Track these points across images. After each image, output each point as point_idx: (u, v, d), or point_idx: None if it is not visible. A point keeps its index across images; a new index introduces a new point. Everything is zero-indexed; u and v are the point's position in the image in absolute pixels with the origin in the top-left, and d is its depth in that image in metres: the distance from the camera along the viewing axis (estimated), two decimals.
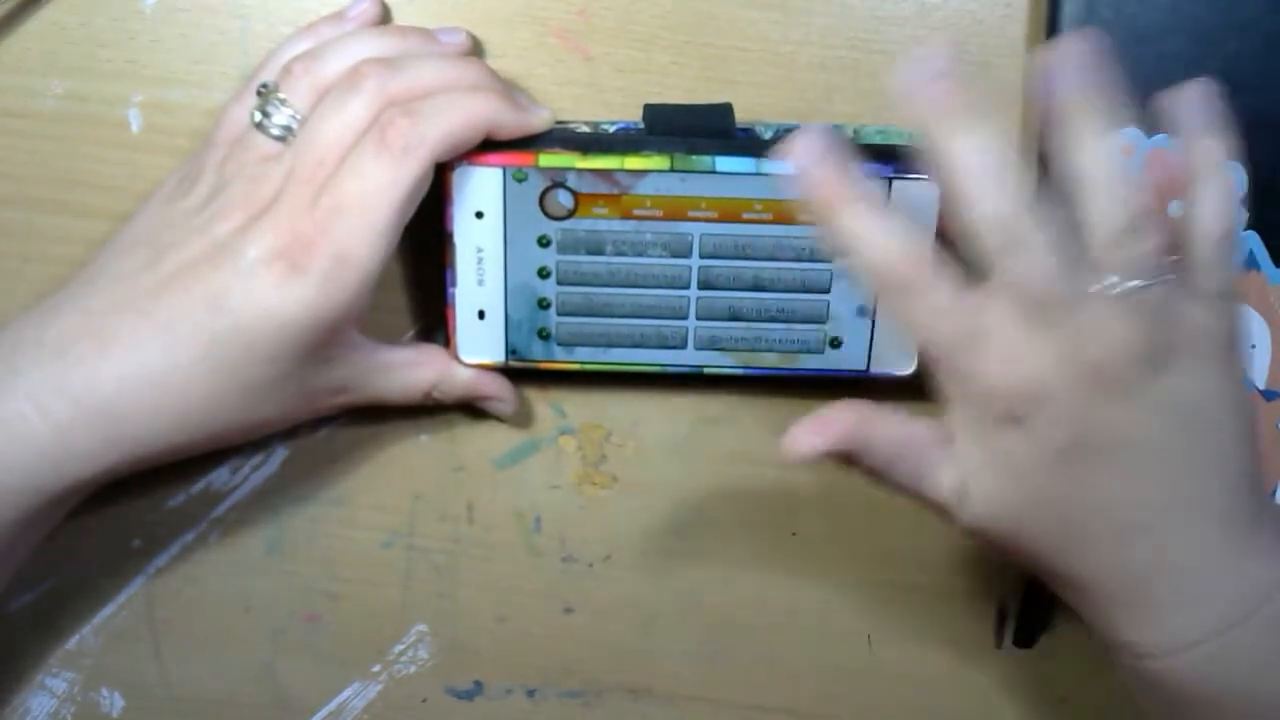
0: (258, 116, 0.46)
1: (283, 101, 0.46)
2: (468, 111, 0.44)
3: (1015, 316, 0.40)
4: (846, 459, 0.43)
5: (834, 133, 0.41)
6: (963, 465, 0.43)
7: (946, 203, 0.40)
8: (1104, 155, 0.40)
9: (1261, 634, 0.41)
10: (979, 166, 0.39)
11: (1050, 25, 0.48)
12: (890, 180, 0.46)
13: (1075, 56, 0.40)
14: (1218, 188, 0.42)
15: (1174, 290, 0.40)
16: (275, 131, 0.46)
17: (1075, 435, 0.40)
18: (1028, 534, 0.43)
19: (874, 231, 0.40)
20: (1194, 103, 0.42)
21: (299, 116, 0.45)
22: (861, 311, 0.48)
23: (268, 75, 0.47)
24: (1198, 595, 0.42)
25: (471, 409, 0.52)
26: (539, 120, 0.46)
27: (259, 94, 0.46)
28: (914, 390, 0.52)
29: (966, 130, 0.39)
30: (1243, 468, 0.42)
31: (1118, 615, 0.43)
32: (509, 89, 0.47)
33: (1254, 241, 0.50)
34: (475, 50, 0.49)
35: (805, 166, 0.40)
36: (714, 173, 0.46)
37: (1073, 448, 0.41)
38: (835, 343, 0.49)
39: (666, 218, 0.47)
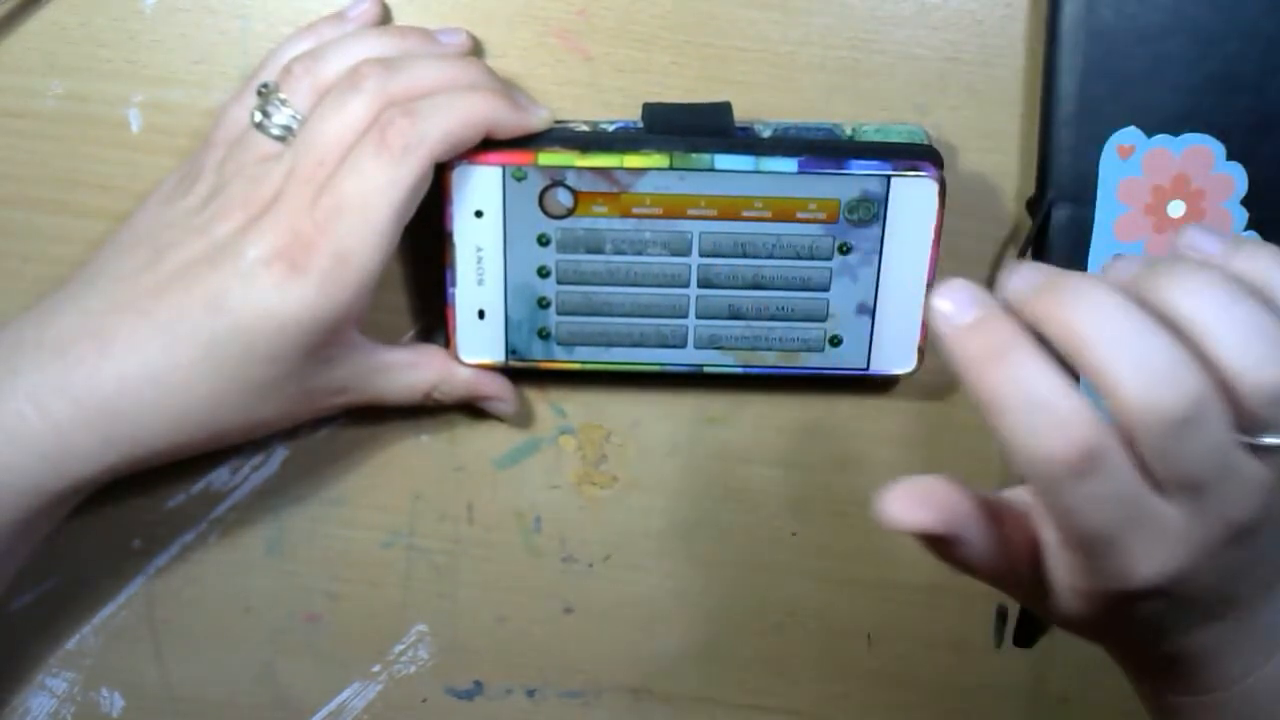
0: (258, 116, 0.46)
1: (283, 101, 0.46)
2: (467, 111, 0.44)
3: (1184, 509, 0.35)
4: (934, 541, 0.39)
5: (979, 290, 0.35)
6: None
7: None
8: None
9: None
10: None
11: (1050, 25, 0.48)
12: (889, 177, 0.46)
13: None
14: None
15: None
16: (275, 131, 0.46)
17: (1211, 586, 0.37)
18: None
19: (1047, 396, 0.33)
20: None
21: (299, 116, 0.45)
22: (861, 309, 0.48)
23: (268, 75, 0.47)
24: (1238, 648, 0.39)
25: (472, 409, 0.52)
26: (538, 119, 0.46)
27: (259, 94, 0.46)
28: (914, 388, 0.52)
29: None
30: None
31: (1218, 653, 0.40)
32: (509, 89, 0.47)
33: None
34: (475, 50, 0.49)
35: (954, 315, 0.35)
36: (713, 171, 0.46)
37: (1209, 592, 0.37)
38: (835, 341, 0.49)
39: (666, 216, 0.47)
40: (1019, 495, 0.40)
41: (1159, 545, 0.35)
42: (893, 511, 0.37)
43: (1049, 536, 0.37)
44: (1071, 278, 0.35)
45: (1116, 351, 0.33)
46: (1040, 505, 0.36)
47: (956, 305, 0.35)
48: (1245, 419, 0.34)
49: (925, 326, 0.49)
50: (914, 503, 0.37)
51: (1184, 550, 0.35)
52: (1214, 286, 0.34)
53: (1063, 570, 0.37)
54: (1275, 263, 0.36)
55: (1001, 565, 0.38)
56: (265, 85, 0.46)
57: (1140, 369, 0.33)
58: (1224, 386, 0.33)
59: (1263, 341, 0.33)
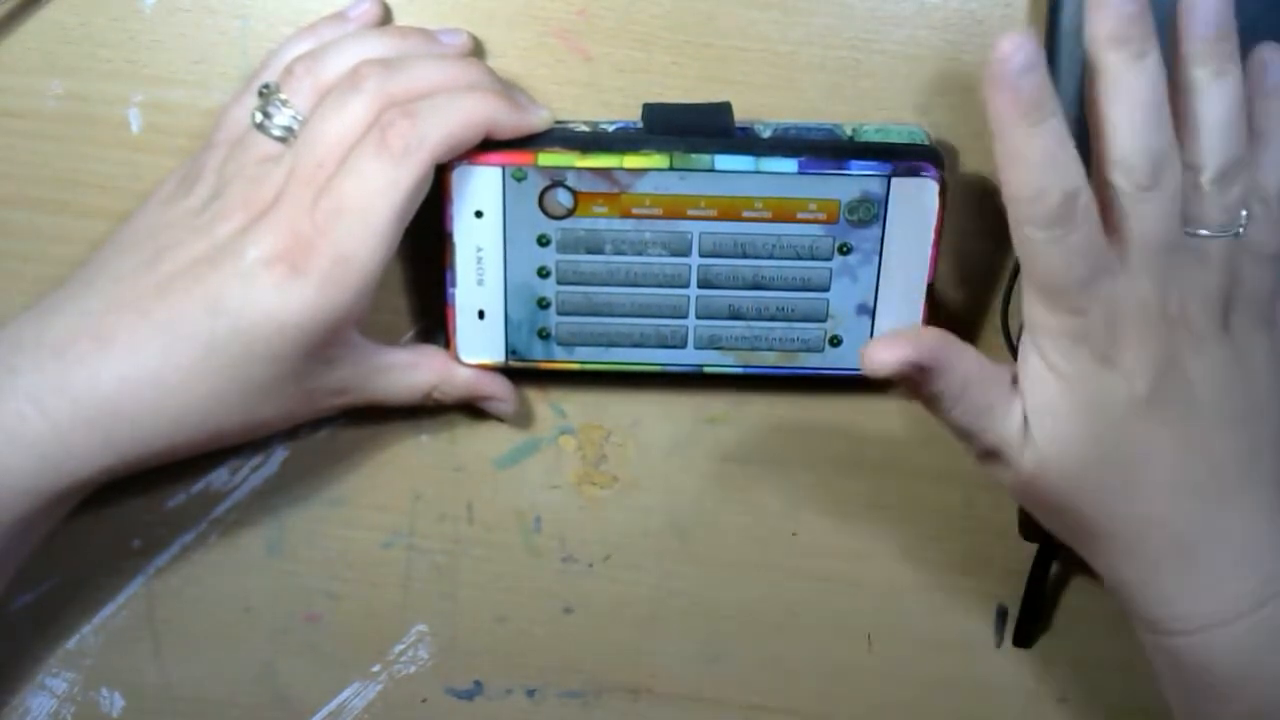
0: (259, 117, 0.46)
1: (284, 102, 0.46)
2: (467, 112, 0.44)
3: (1139, 258, 0.41)
4: (916, 381, 0.43)
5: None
6: (1033, 403, 0.43)
7: (1095, 132, 0.41)
8: (1220, 98, 0.41)
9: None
10: (1148, 98, 0.40)
11: (1050, 25, 0.48)
12: (889, 177, 0.46)
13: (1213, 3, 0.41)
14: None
15: (1242, 244, 0.41)
16: (276, 132, 0.46)
17: (1156, 381, 0.41)
18: (1086, 482, 0.43)
19: (1043, 156, 0.40)
20: (1267, 64, 0.43)
21: (300, 117, 0.45)
22: (861, 310, 0.48)
23: (269, 76, 0.47)
24: (1239, 566, 0.42)
25: (472, 409, 0.52)
26: (538, 120, 0.46)
27: (260, 94, 0.46)
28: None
29: (1140, 60, 0.40)
30: (1274, 449, 0.43)
31: (1157, 582, 0.43)
32: (509, 89, 0.47)
33: None
34: (476, 50, 0.49)
35: (1008, 69, 0.39)
36: (713, 171, 0.46)
37: (1152, 394, 0.41)
38: (835, 341, 0.49)
39: (666, 216, 0.47)
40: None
41: (1118, 293, 0.41)
42: (872, 359, 0.43)
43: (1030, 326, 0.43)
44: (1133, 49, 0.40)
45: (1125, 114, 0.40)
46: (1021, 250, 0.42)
47: (1016, 58, 0.39)
48: (1198, 208, 0.42)
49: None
50: (890, 345, 0.43)
51: (1137, 300, 0.41)
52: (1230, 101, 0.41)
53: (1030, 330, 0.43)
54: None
55: (975, 400, 0.43)
56: (266, 86, 0.46)
57: (1146, 110, 0.40)
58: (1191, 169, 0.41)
59: (1219, 138, 0.41)
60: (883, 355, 0.42)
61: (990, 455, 0.45)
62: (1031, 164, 0.40)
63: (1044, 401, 0.43)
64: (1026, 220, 0.41)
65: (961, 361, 0.43)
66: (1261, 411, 0.43)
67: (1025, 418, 0.43)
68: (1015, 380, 0.44)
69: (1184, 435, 0.42)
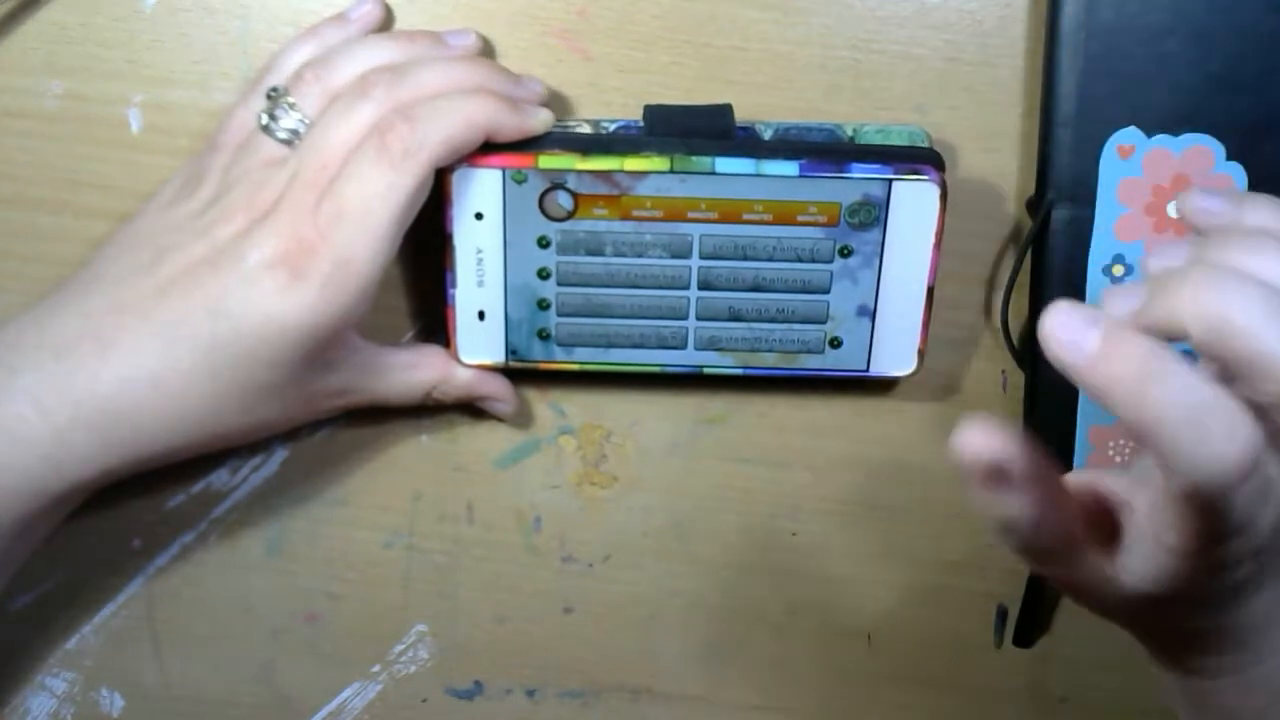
0: (265, 119, 0.46)
1: (291, 106, 0.46)
2: (467, 115, 0.44)
3: None
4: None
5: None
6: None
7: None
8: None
9: None
10: None
11: (1050, 25, 0.48)
12: (890, 180, 0.46)
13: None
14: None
15: None
16: (281, 135, 0.46)
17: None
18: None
19: (1212, 404, 0.33)
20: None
21: (307, 121, 0.45)
22: (862, 311, 0.48)
23: (274, 79, 0.47)
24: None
25: (472, 409, 0.52)
26: (538, 122, 0.46)
27: (268, 97, 0.46)
28: (913, 390, 0.52)
29: None
30: None
31: (1193, 652, 0.41)
32: (519, 82, 0.47)
33: None
34: (485, 51, 0.49)
35: (1080, 344, 0.34)
36: (713, 174, 0.46)
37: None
38: (835, 343, 0.49)
39: (666, 219, 0.47)
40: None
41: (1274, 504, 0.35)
42: (968, 439, 0.35)
43: (1144, 502, 0.37)
44: (1200, 267, 0.35)
45: (1268, 332, 0.33)
46: (1174, 494, 0.34)
47: (1075, 333, 0.34)
48: None
49: (925, 328, 0.49)
50: (989, 433, 0.35)
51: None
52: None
53: (1165, 532, 0.36)
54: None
55: (1057, 525, 0.37)
56: (275, 89, 0.46)
57: None
58: None
59: None
60: (976, 444, 0.35)
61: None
62: None
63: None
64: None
65: (1043, 479, 0.36)
66: None
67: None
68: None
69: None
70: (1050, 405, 0.50)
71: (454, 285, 0.48)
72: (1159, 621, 0.41)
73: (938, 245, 0.47)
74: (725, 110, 0.48)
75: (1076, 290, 0.49)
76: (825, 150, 0.47)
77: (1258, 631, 0.40)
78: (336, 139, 0.44)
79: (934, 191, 0.46)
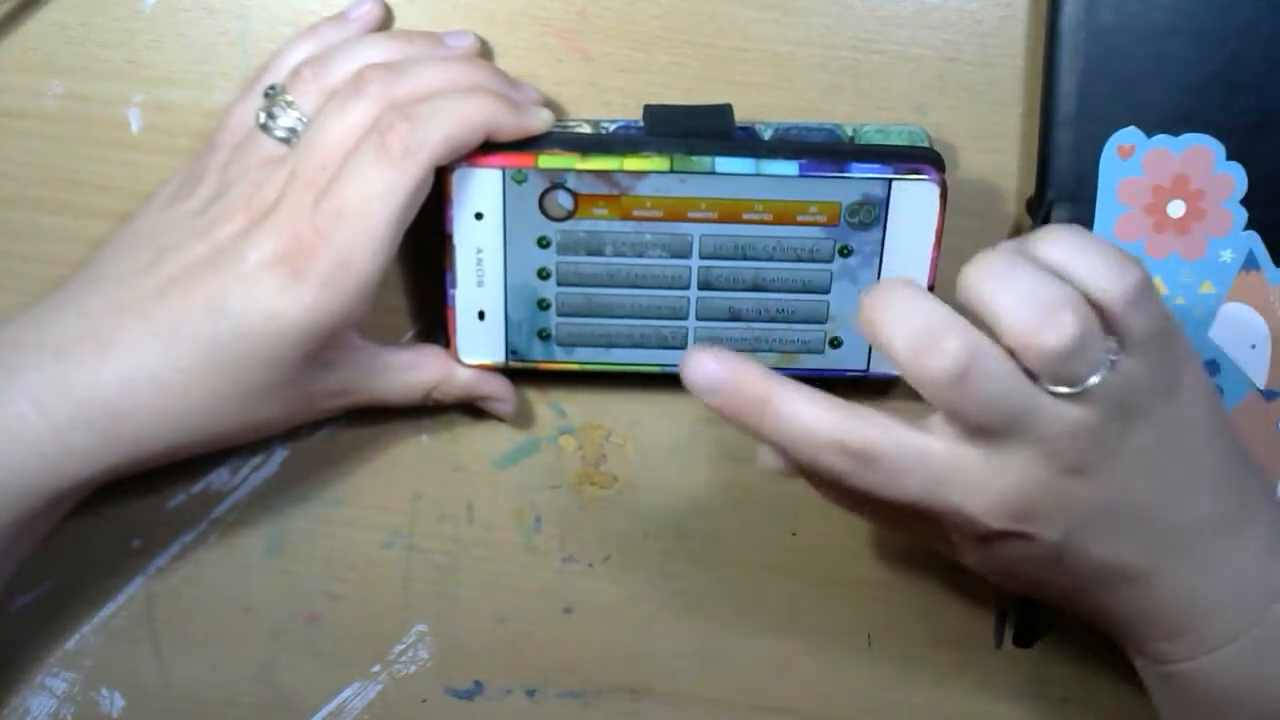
0: (263, 118, 0.46)
1: (289, 104, 0.46)
2: (466, 114, 0.44)
3: (972, 447, 0.40)
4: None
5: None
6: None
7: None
8: (1016, 276, 0.38)
9: (1276, 629, 0.42)
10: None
11: (1050, 25, 0.48)
12: (890, 180, 0.46)
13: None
14: (1096, 255, 0.39)
15: (1118, 366, 0.39)
16: (280, 134, 0.46)
17: (1070, 523, 0.41)
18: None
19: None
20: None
21: (305, 119, 0.45)
22: None
23: (273, 78, 0.47)
24: (1240, 579, 0.42)
25: (472, 409, 0.52)
26: (538, 122, 0.46)
27: (266, 96, 0.46)
28: (913, 390, 0.52)
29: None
30: (1231, 467, 0.42)
31: (1169, 618, 0.43)
32: (515, 85, 0.47)
33: (1254, 241, 0.50)
34: (484, 52, 0.49)
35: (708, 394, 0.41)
36: (713, 174, 0.46)
37: (1069, 532, 0.41)
38: (835, 343, 0.49)
39: (666, 219, 0.47)
40: None
41: (977, 489, 0.40)
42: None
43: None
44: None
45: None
46: None
47: (706, 383, 0.41)
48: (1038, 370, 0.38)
49: None
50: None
51: (1009, 489, 0.39)
52: (995, 264, 0.38)
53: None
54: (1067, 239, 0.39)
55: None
56: (273, 88, 0.46)
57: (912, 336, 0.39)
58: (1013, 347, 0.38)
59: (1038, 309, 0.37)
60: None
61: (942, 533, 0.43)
62: None
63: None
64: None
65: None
66: (1201, 463, 0.42)
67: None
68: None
69: (1117, 537, 0.41)
70: None
71: (454, 285, 0.48)
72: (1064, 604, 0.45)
73: (938, 245, 0.47)
74: (725, 110, 0.48)
75: None
76: (825, 150, 0.47)
77: (1129, 632, 0.44)
78: (334, 137, 0.44)
79: (934, 191, 0.46)
